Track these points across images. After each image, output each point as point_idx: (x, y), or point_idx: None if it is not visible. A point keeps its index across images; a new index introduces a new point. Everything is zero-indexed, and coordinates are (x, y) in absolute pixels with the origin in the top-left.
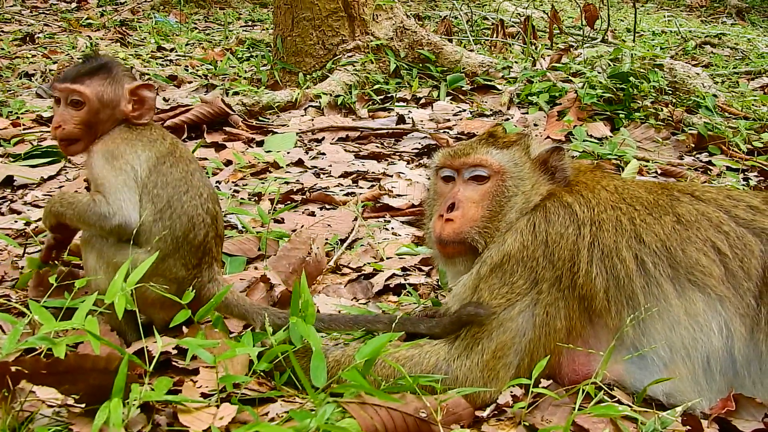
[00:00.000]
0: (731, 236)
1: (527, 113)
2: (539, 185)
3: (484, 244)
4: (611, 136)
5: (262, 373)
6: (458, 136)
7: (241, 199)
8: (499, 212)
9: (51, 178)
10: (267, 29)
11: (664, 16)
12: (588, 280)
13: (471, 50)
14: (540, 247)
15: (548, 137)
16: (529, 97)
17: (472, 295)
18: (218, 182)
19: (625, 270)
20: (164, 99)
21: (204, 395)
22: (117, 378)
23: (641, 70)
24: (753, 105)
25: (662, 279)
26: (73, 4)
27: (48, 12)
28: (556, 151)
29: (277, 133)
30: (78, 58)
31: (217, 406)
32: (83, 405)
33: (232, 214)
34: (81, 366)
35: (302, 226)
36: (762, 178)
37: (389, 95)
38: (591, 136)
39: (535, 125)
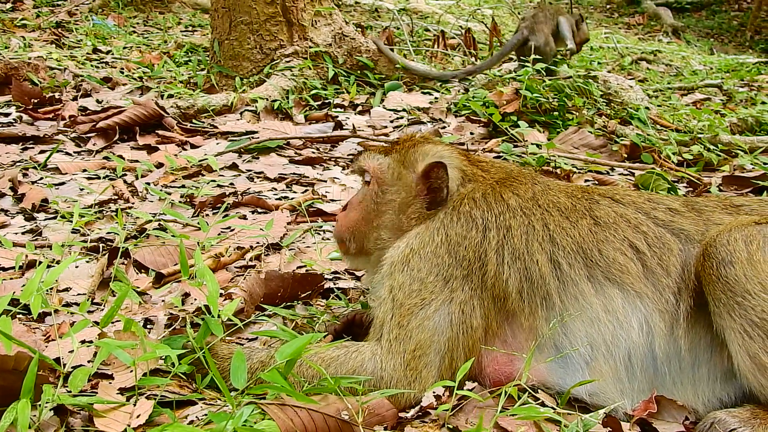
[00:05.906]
0: (650, 236)
1: (464, 121)
2: (414, 200)
3: (357, 247)
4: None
5: (183, 376)
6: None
7: (172, 201)
8: (372, 218)
9: None
10: (207, 34)
11: (603, 33)
12: (499, 281)
13: (412, 60)
14: (442, 246)
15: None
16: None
17: (388, 295)
18: (148, 184)
19: (539, 271)
20: (97, 101)
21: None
22: (26, 378)
23: (576, 82)
24: (684, 118)
25: (578, 278)
26: (8, 5)
27: None
28: (436, 167)
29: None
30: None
31: (134, 405)
32: None
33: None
34: None
35: (232, 230)
36: (691, 189)
37: (327, 101)
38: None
39: (471, 134)
